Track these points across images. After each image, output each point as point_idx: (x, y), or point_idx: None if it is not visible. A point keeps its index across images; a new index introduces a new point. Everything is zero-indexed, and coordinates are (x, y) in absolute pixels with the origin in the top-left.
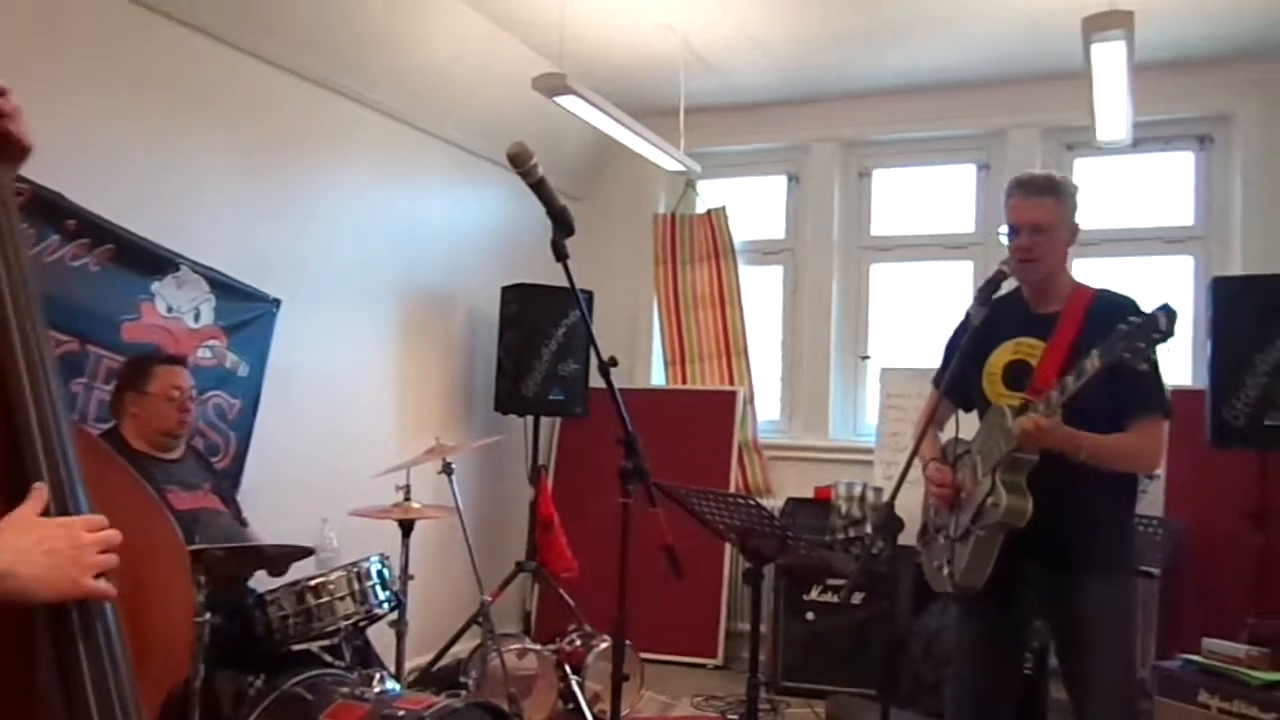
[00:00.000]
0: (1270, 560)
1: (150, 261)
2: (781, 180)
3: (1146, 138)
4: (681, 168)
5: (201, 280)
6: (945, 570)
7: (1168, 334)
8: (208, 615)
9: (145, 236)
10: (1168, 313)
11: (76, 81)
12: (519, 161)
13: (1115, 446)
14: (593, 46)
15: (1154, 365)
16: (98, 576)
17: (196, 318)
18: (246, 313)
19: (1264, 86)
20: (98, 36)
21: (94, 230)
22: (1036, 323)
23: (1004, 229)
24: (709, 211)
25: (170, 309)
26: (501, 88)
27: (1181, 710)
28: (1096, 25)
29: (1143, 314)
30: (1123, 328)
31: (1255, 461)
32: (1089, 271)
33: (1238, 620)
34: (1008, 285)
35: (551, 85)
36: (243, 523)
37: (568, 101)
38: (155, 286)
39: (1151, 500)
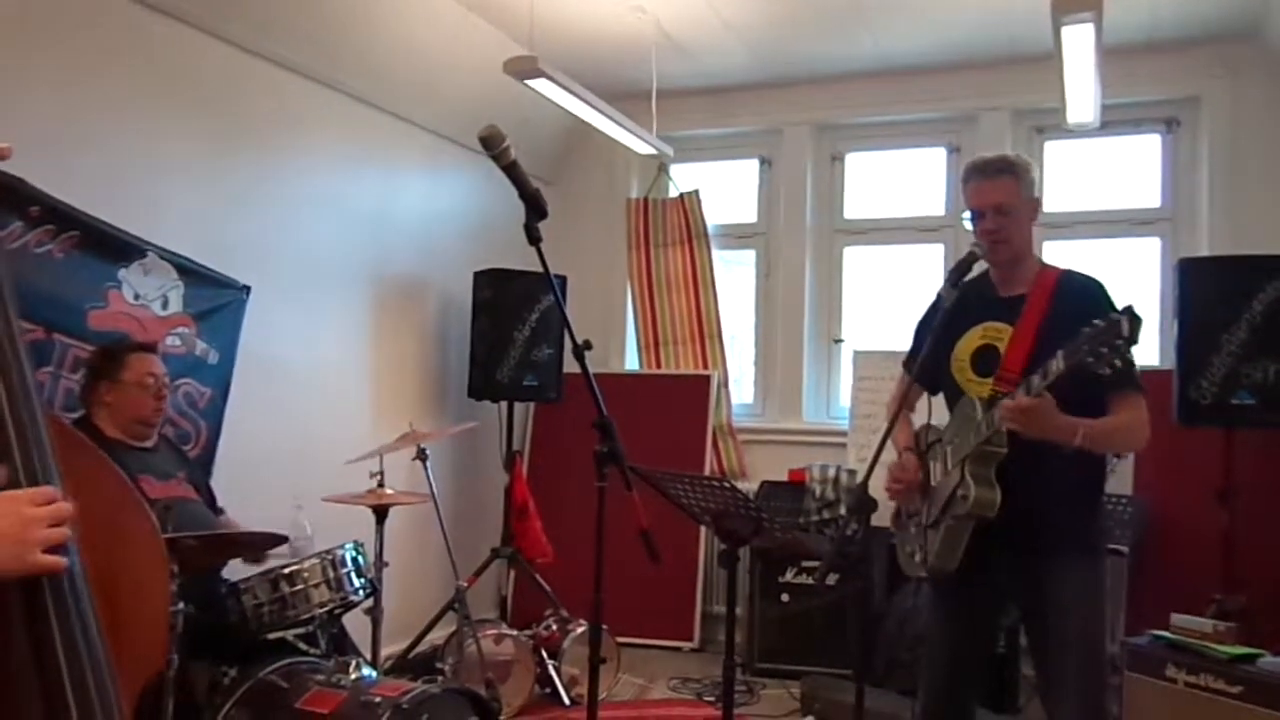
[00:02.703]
0: (1236, 536)
1: (116, 248)
2: (754, 164)
3: (1115, 121)
4: (654, 151)
5: (169, 267)
6: (918, 556)
7: (1131, 340)
8: (181, 604)
9: (111, 223)
10: (1131, 318)
11: (40, 66)
12: (491, 144)
13: (1111, 427)
14: (563, 29)
15: None
16: (53, 551)
17: (165, 305)
18: (216, 300)
19: (1230, 70)
20: (62, 20)
21: (58, 217)
22: (1003, 306)
23: (966, 214)
24: (682, 195)
25: (137, 296)
26: (472, 71)
27: (1150, 684)
28: (1066, 7)
29: (1109, 314)
30: (1087, 330)
31: (1221, 440)
32: (1058, 253)
33: (1205, 596)
34: (978, 267)
35: (522, 68)
36: (217, 511)
37: (539, 85)
38: (122, 274)
39: (1120, 479)
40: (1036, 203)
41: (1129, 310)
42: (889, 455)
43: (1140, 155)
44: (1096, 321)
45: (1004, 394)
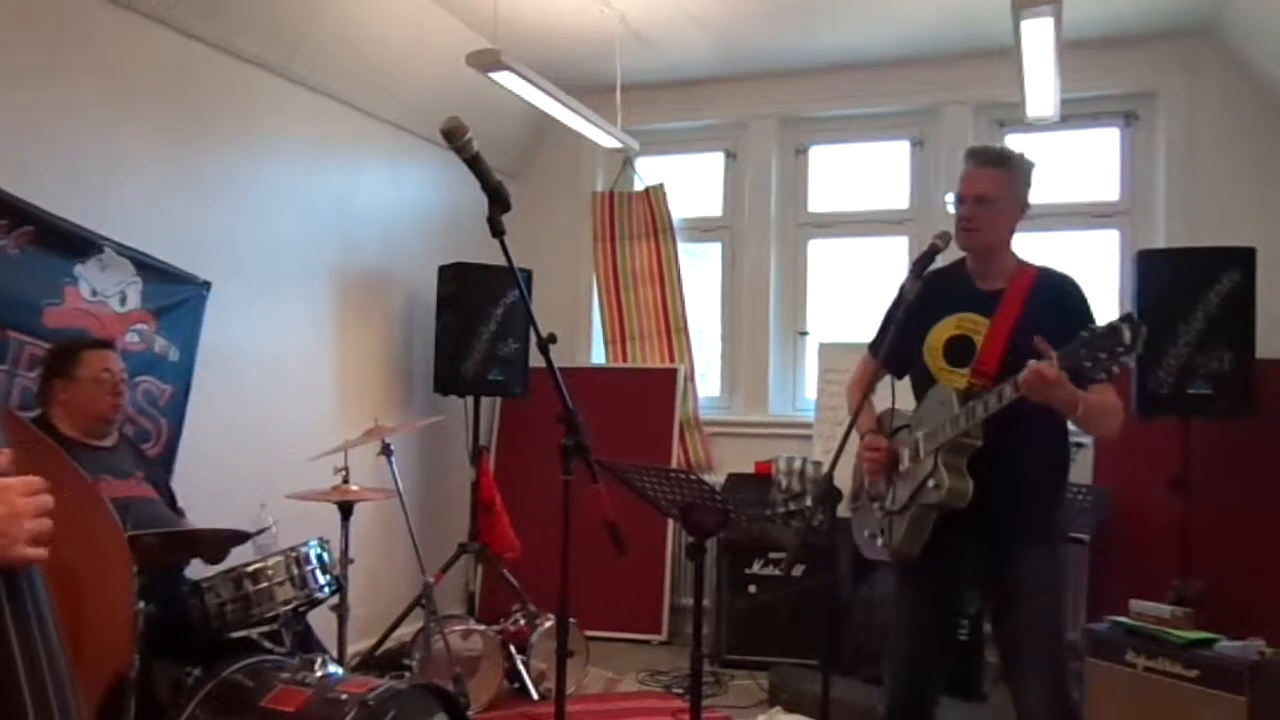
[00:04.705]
0: (1193, 524)
1: (73, 244)
2: (719, 157)
3: (1074, 114)
4: (619, 145)
5: (127, 263)
6: (880, 540)
7: (1132, 349)
8: (142, 604)
9: (67, 218)
10: (1134, 327)
11: None
12: (453, 137)
13: (1101, 404)
14: (528, 22)
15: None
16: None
17: (123, 301)
18: (175, 296)
19: (1187, 64)
20: (17, 13)
21: (13, 212)
22: (980, 299)
23: (951, 195)
24: (647, 189)
25: (95, 293)
26: (435, 64)
27: (1110, 670)
28: (1026, 2)
29: (1111, 320)
30: (1085, 334)
31: (1178, 429)
32: (1020, 244)
33: (1163, 582)
34: (942, 258)
35: (486, 61)
36: (178, 512)
37: (503, 78)
38: (78, 270)
39: (1081, 468)
40: (1025, 203)
41: (1129, 318)
42: (854, 446)
43: (1099, 148)
44: (1095, 326)
45: (982, 388)
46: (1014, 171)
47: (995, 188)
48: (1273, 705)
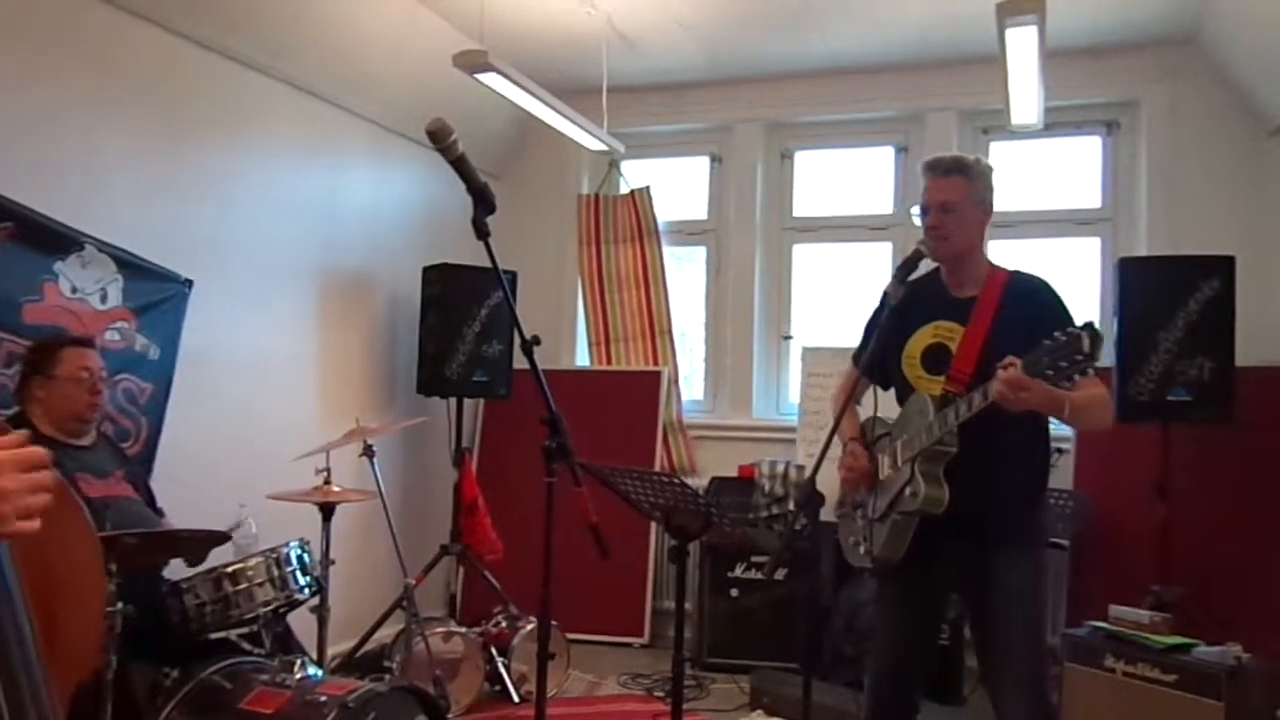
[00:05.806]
0: (1172, 529)
1: (53, 240)
2: (704, 161)
3: (1057, 122)
4: (605, 147)
5: (108, 260)
6: (863, 548)
7: (1090, 357)
8: (120, 605)
9: (47, 214)
10: (1091, 334)
11: None
12: (438, 138)
13: (1086, 401)
14: (514, 24)
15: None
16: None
17: (103, 299)
18: (156, 294)
19: (1168, 73)
20: (1, 7)
21: None
22: (955, 306)
23: (916, 209)
24: (633, 192)
25: (75, 290)
26: (421, 64)
27: (1089, 674)
28: (1010, 10)
29: (1070, 329)
30: (1047, 344)
31: (1158, 435)
32: (1003, 252)
33: (1142, 587)
34: (925, 265)
35: (472, 62)
36: (158, 512)
37: (489, 79)
38: (58, 266)
39: (1061, 474)
40: (987, 206)
41: (1089, 326)
42: (836, 450)
43: (1081, 156)
44: (1057, 334)
45: (956, 394)
46: (972, 177)
47: (956, 194)
48: (1249, 710)
